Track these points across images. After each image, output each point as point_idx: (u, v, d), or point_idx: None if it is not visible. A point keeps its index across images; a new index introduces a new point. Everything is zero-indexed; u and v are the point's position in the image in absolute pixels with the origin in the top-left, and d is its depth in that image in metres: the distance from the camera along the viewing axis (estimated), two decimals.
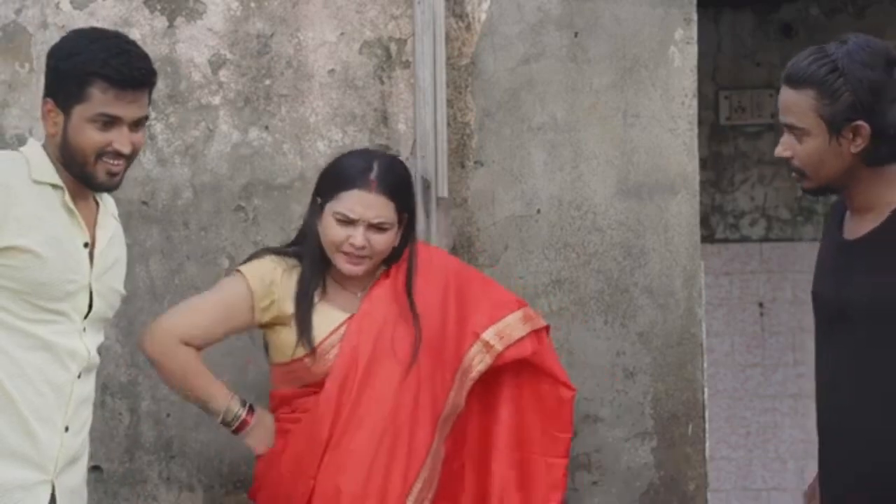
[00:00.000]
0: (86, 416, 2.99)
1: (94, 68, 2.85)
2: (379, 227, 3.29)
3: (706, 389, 3.85)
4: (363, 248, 3.27)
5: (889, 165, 2.84)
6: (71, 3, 3.77)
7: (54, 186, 2.91)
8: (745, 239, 7.09)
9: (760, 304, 7.05)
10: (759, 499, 7.03)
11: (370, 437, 3.26)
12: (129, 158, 2.93)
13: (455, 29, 3.77)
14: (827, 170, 2.86)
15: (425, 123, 3.68)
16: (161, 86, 3.48)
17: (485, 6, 3.77)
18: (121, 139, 2.89)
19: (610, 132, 3.76)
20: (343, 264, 3.29)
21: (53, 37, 3.55)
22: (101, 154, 2.89)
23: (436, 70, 3.69)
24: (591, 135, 3.76)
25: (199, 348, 3.32)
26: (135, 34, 3.66)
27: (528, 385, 3.50)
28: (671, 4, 3.76)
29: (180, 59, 3.77)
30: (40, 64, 3.62)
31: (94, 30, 3.08)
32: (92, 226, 2.98)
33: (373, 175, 3.28)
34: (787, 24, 6.99)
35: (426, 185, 3.66)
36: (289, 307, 3.30)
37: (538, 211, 3.76)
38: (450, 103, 3.74)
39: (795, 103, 2.84)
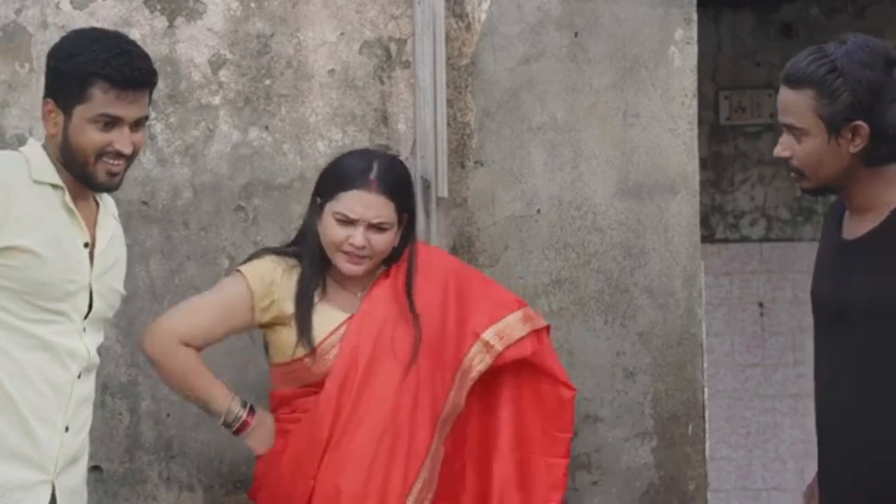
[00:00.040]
0: (86, 417, 3.00)
1: (95, 69, 2.85)
2: (379, 227, 3.29)
3: (706, 389, 3.85)
4: (363, 248, 3.27)
5: (888, 165, 2.84)
6: (71, 3, 3.77)
7: (54, 186, 2.91)
8: (745, 239, 7.09)
9: (760, 304, 7.05)
10: (759, 499, 7.03)
11: (370, 437, 3.26)
12: (130, 158, 2.94)
13: (455, 29, 3.77)
14: (826, 170, 2.86)
15: (425, 123, 3.68)
16: (161, 86, 3.48)
17: (485, 6, 3.78)
18: (122, 139, 2.89)
19: (610, 132, 3.76)
20: (343, 264, 3.30)
21: (53, 37, 3.55)
22: (101, 154, 2.89)
23: (436, 70, 3.69)
24: (591, 135, 3.76)
25: (199, 348, 3.32)
26: (135, 34, 3.66)
27: (529, 385, 3.50)
28: (671, 4, 3.76)
29: (180, 59, 3.77)
30: (40, 64, 3.62)
31: (94, 30, 3.08)
32: (92, 226, 2.98)
33: (372, 175, 3.28)
34: (787, 24, 7.00)
35: (426, 185, 3.66)
36: (289, 307, 3.30)
37: (538, 211, 3.76)
38: (450, 103, 3.74)
39: (794, 103, 2.84)
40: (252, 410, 3.34)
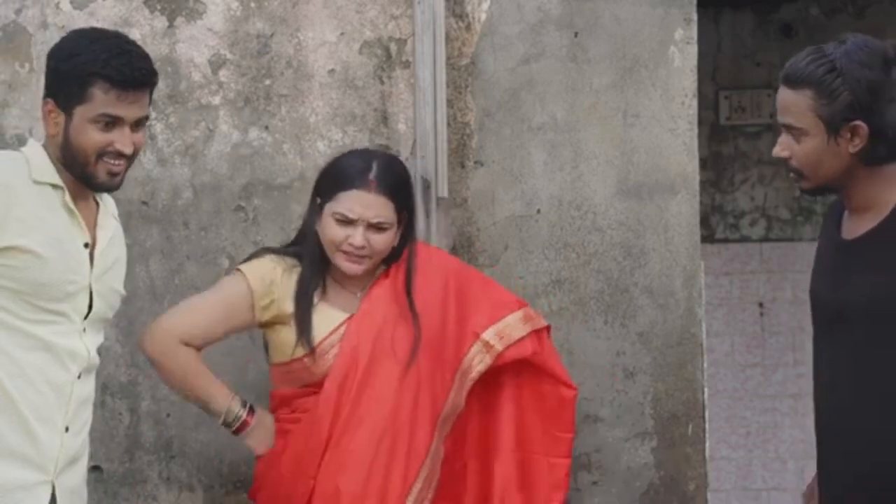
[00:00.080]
0: (86, 417, 3.00)
1: (95, 69, 2.85)
2: (378, 227, 3.29)
3: (706, 389, 3.85)
4: (362, 247, 3.28)
5: (887, 165, 2.84)
6: (71, 3, 3.77)
7: (55, 187, 2.91)
8: (745, 239, 7.09)
9: (760, 304, 7.05)
10: (759, 499, 7.03)
11: (370, 437, 3.26)
12: (130, 158, 2.94)
13: (455, 29, 3.77)
14: (825, 170, 2.86)
15: (425, 123, 3.68)
16: (161, 86, 3.48)
17: (485, 6, 3.78)
18: (122, 139, 2.89)
19: (610, 132, 3.76)
20: (343, 263, 3.30)
21: (53, 37, 3.55)
22: (102, 154, 2.89)
23: (436, 70, 3.69)
24: (591, 135, 3.76)
25: (199, 348, 3.32)
26: (135, 34, 3.66)
27: (529, 385, 3.50)
28: (671, 4, 3.76)
29: (180, 59, 3.77)
30: (40, 64, 3.62)
31: (94, 30, 3.08)
32: (92, 226, 2.98)
33: (371, 175, 3.28)
34: (787, 24, 7.00)
35: (426, 185, 3.66)
36: (288, 306, 3.30)
37: (538, 211, 3.76)
38: (450, 103, 3.74)
39: (793, 103, 2.84)
40: (252, 410, 3.34)
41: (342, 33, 3.77)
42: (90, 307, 2.94)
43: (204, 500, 3.76)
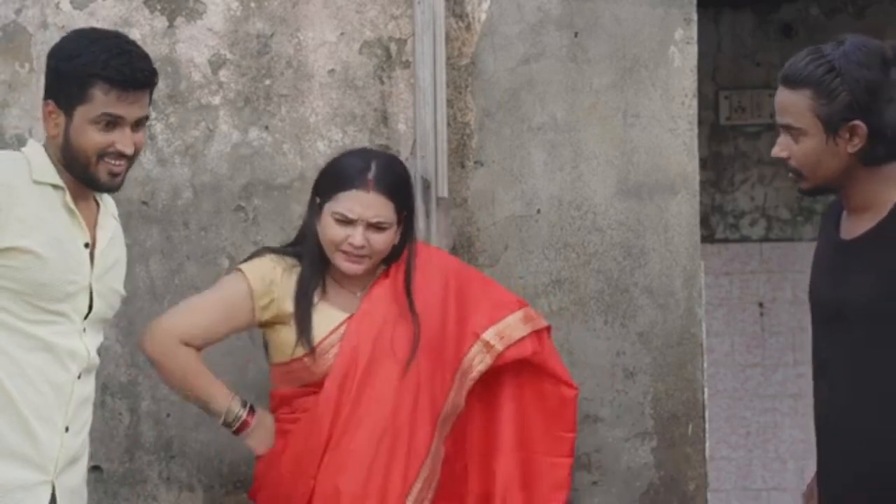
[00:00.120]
0: (86, 417, 3.00)
1: (95, 70, 2.86)
2: (378, 227, 3.29)
3: (706, 389, 3.85)
4: (362, 247, 3.28)
5: (886, 165, 2.84)
6: (71, 3, 3.77)
7: (55, 187, 2.91)
8: (745, 239, 7.09)
9: (760, 304, 7.05)
10: (759, 499, 7.03)
11: (370, 437, 3.26)
12: (131, 159, 2.94)
13: (455, 29, 3.77)
14: (824, 170, 2.86)
15: (425, 123, 3.68)
16: (161, 86, 3.48)
17: (485, 6, 3.78)
18: (123, 139, 2.89)
19: (610, 132, 3.76)
20: (342, 263, 3.30)
21: (53, 37, 3.55)
22: (103, 154, 2.89)
23: (436, 70, 3.69)
24: (591, 135, 3.76)
25: (199, 348, 3.32)
26: (135, 34, 3.66)
27: (530, 384, 3.50)
28: (671, 4, 3.76)
29: (180, 59, 3.77)
30: (40, 64, 3.62)
31: (94, 30, 3.08)
32: (92, 226, 2.98)
33: (371, 175, 3.28)
34: (787, 24, 7.00)
35: (426, 185, 3.66)
36: (288, 306, 3.30)
37: (538, 211, 3.76)
38: (450, 103, 3.74)
39: (792, 103, 2.84)
40: (252, 410, 3.34)
41: (342, 33, 3.77)
42: (90, 307, 2.94)
43: (204, 500, 3.76)
